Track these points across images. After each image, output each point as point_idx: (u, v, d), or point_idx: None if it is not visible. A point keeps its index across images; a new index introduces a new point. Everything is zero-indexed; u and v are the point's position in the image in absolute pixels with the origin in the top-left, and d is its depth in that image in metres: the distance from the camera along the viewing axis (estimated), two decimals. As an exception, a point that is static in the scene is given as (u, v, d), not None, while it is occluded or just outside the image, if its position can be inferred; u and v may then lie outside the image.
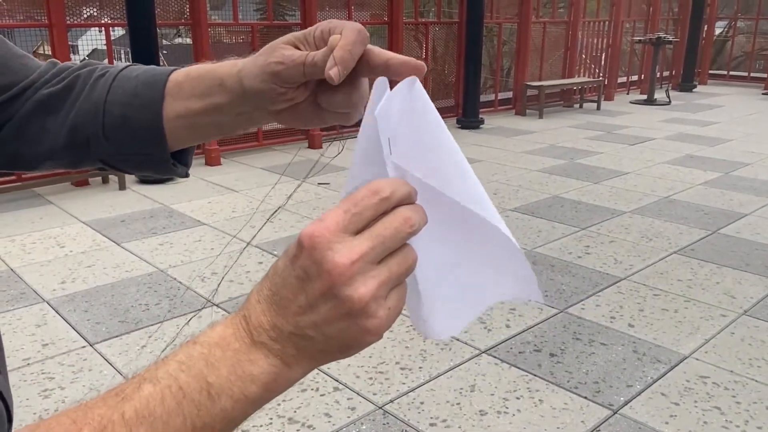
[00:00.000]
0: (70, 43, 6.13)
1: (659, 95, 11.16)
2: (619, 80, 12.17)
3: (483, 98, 9.50)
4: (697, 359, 2.94)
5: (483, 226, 0.46)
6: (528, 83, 9.79)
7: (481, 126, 8.71)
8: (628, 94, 12.17)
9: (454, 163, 0.47)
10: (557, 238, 4.48)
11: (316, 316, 0.42)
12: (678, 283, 3.76)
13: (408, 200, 0.43)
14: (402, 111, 0.46)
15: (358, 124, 0.48)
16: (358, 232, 0.42)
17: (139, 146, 0.68)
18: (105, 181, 5.85)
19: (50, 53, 5.99)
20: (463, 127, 8.65)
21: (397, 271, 0.42)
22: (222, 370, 0.42)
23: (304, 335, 0.42)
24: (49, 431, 0.41)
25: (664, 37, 10.97)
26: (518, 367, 2.87)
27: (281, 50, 0.59)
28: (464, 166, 0.47)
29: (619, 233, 4.59)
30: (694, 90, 12.74)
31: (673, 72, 13.25)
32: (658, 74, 11.75)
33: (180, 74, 0.68)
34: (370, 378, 2.79)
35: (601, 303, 3.50)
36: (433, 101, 0.47)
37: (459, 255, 0.48)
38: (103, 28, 6.24)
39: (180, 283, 3.71)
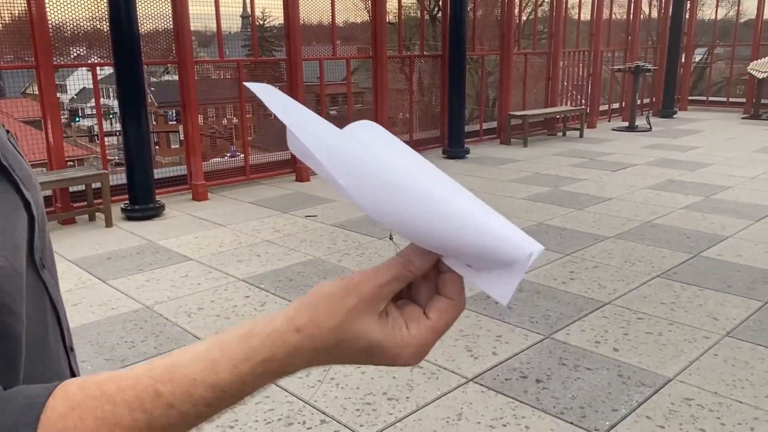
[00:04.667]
0: (58, 82, 6.20)
1: (640, 122, 11.36)
2: (601, 108, 12.39)
3: (468, 128, 9.64)
4: (681, 382, 2.97)
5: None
6: (512, 113, 9.95)
7: (466, 156, 8.82)
8: (609, 121, 12.37)
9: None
10: (542, 264, 4.52)
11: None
12: (661, 306, 3.80)
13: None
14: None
15: None
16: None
17: None
18: (92, 218, 5.86)
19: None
20: (449, 157, 8.75)
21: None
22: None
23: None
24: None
25: (643, 66, 11.22)
26: (505, 395, 2.88)
27: None
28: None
29: (603, 258, 4.64)
30: (674, 116, 12.97)
31: (654, 99, 13.51)
32: (639, 101, 11.98)
33: None
34: (357, 410, 2.79)
35: (586, 328, 3.53)
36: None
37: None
38: (90, 68, 6.32)
39: (166, 319, 3.71)
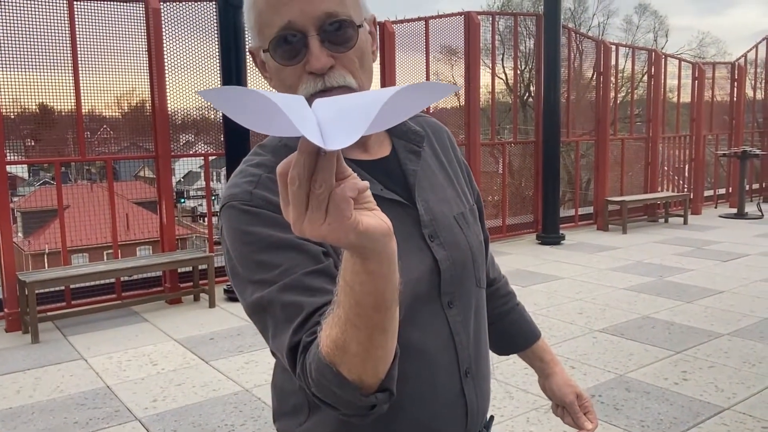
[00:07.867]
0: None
1: (750, 209, 10.76)
2: (706, 193, 11.86)
3: (562, 213, 9.46)
4: (821, 506, 2.64)
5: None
6: (609, 198, 9.71)
7: (561, 242, 8.61)
8: (716, 207, 11.80)
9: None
10: (651, 362, 4.26)
11: None
12: (790, 415, 3.46)
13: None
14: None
15: None
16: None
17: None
18: (196, 299, 6.12)
19: (152, 176, 6.58)
20: (543, 243, 8.58)
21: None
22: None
23: None
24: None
25: (751, 151, 10.74)
26: (616, 508, 2.67)
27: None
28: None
29: (719, 358, 4.31)
30: (787, 202, 12.20)
31: (763, 185, 12.82)
32: (747, 187, 11.39)
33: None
34: None
35: (705, 436, 3.25)
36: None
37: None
38: (203, 157, 6.78)
39: (264, 403, 3.75)
